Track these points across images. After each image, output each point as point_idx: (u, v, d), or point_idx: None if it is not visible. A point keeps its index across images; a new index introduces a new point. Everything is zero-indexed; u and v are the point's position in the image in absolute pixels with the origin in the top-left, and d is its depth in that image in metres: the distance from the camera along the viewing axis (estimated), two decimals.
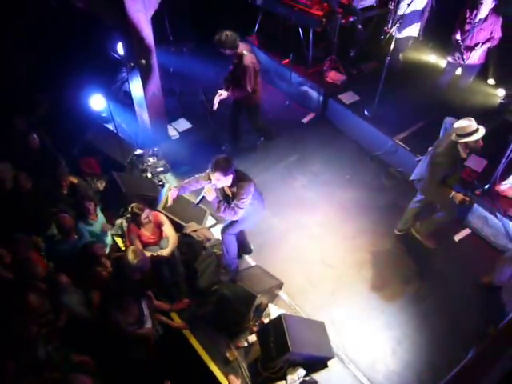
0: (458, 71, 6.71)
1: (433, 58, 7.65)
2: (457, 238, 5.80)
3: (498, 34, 5.98)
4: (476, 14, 5.87)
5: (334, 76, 7.43)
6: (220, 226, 5.03)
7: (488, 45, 6.06)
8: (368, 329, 4.90)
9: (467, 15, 6.00)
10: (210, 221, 5.78)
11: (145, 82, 5.91)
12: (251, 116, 6.38)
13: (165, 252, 4.91)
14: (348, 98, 7.16)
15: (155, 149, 6.58)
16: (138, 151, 6.54)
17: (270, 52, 7.96)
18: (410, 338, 4.83)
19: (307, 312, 4.98)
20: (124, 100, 7.26)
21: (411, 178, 5.29)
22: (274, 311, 4.88)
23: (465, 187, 5.41)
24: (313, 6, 7.04)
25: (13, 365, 3.25)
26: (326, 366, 4.54)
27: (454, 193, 4.75)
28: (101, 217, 5.25)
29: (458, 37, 6.16)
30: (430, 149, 5.00)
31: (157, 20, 5.86)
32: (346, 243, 5.68)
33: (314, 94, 7.41)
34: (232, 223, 4.70)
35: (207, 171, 4.34)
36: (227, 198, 4.37)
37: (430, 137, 6.08)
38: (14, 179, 4.81)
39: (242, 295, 4.65)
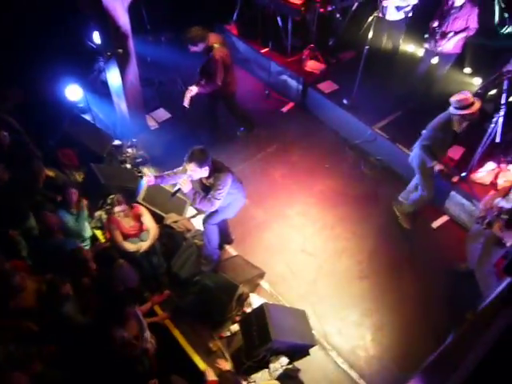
0: (435, 60, 6.76)
1: (411, 47, 7.70)
2: (435, 225, 5.90)
3: (473, 24, 6.01)
4: (453, 2, 5.91)
5: (312, 65, 7.42)
6: (201, 217, 5.02)
7: (463, 34, 6.08)
8: (348, 316, 4.97)
9: (448, 2, 6.04)
10: (190, 211, 5.76)
11: (122, 71, 5.83)
12: (228, 107, 6.37)
13: (144, 245, 4.89)
14: (327, 87, 7.16)
15: (134, 139, 6.51)
16: (117, 142, 6.45)
17: (249, 41, 7.92)
18: (389, 324, 4.91)
19: (289, 301, 5.02)
20: (101, 90, 7.13)
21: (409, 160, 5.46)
22: (255, 301, 4.90)
23: (442, 176, 5.48)
24: None
25: None
26: (308, 353, 4.57)
27: (435, 162, 4.98)
28: (85, 212, 5.17)
29: (436, 24, 6.19)
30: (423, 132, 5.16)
31: (134, 9, 5.78)
32: (326, 232, 5.72)
33: (293, 83, 7.40)
34: (213, 213, 4.68)
35: (184, 164, 4.34)
36: (207, 189, 4.36)
37: (407, 125, 6.18)
38: None
39: (223, 285, 4.67)
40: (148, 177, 4.49)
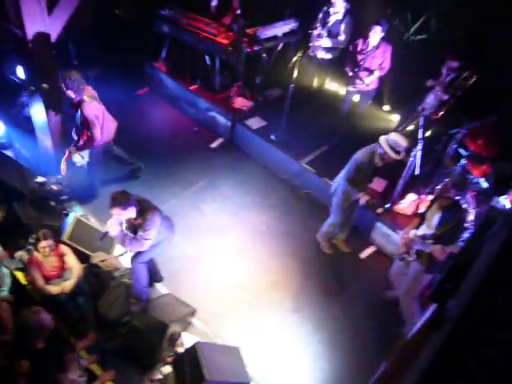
0: (356, 98, 7.12)
1: (334, 86, 8.08)
2: (363, 255, 6.07)
3: (386, 63, 6.44)
4: (368, 43, 6.30)
5: (241, 102, 7.56)
6: (130, 255, 4.85)
7: (379, 73, 6.51)
8: (284, 350, 4.92)
9: (360, 45, 6.41)
10: (118, 249, 5.55)
11: (47, 107, 5.63)
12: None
13: (68, 285, 4.63)
14: (255, 123, 7.31)
15: (59, 176, 6.24)
16: (41, 179, 6.14)
17: (177, 78, 7.96)
18: (325, 356, 4.91)
19: (222, 338, 4.91)
20: (25, 125, 6.85)
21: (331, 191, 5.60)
22: (188, 340, 4.76)
23: (368, 207, 5.70)
24: (219, 35, 7.16)
25: None
26: None
27: (361, 193, 5.18)
28: None
29: (348, 68, 6.56)
30: None
31: (60, 44, 5.66)
32: (258, 266, 5.71)
33: (221, 119, 7.48)
34: (141, 251, 4.56)
35: None
36: (136, 229, 4.27)
37: (333, 159, 6.40)
38: None
39: (153, 325, 4.50)
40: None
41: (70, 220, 5.29)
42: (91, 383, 4.21)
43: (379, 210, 5.90)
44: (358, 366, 4.78)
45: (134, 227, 4.30)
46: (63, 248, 4.85)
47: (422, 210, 5.98)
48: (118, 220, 4.14)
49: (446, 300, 2.40)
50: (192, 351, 4.22)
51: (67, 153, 5.56)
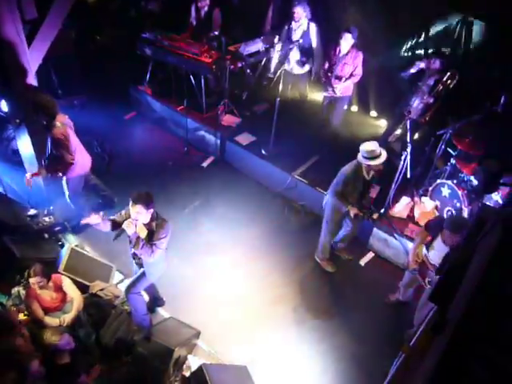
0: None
1: (317, 95, 8.14)
2: (362, 262, 6.07)
3: (358, 70, 6.46)
4: (339, 50, 6.36)
5: (228, 119, 7.60)
6: (127, 282, 4.83)
7: (351, 80, 6.53)
8: (291, 364, 4.89)
9: (332, 51, 6.47)
10: (116, 277, 5.52)
11: (34, 138, 5.63)
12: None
13: (68, 317, 4.59)
14: (244, 139, 7.33)
15: (51, 207, 6.22)
16: (32, 211, 6.13)
17: (164, 100, 7.99)
18: (332, 367, 4.88)
19: (228, 358, 4.87)
20: (13, 158, 6.84)
21: (323, 205, 5.58)
22: (194, 362, 4.71)
23: (363, 213, 5.70)
24: (201, 54, 7.21)
25: None
26: None
27: (350, 206, 5.10)
28: None
29: (323, 74, 6.63)
30: None
31: (43, 74, 5.68)
32: (258, 282, 5.69)
33: (211, 138, 7.51)
34: (136, 280, 4.56)
35: (123, 211, 4.32)
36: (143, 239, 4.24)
37: (325, 169, 6.43)
38: None
39: (158, 351, 4.46)
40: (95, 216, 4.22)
41: (65, 251, 5.26)
42: None
43: (375, 216, 5.91)
44: (367, 374, 4.76)
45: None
46: (62, 278, 4.82)
47: (416, 212, 6.03)
48: (135, 220, 4.08)
49: (446, 302, 2.41)
50: (199, 374, 4.17)
51: (36, 171, 5.45)
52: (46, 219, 6.06)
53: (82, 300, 4.83)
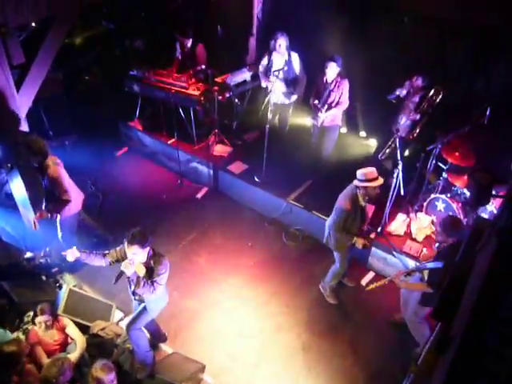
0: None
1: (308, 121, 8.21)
2: (363, 282, 6.03)
3: (343, 98, 6.46)
4: (326, 79, 6.40)
5: (220, 149, 7.65)
6: (128, 320, 4.77)
7: (337, 108, 6.52)
8: None
9: (320, 80, 6.51)
10: (117, 315, 5.45)
11: (26, 181, 5.64)
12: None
13: (72, 357, 4.49)
14: (237, 167, 7.36)
15: (47, 249, 6.18)
16: (29, 254, 6.09)
17: (154, 134, 8.05)
18: None
19: None
20: (6, 202, 6.83)
21: (324, 241, 5.49)
22: None
23: (369, 241, 5.68)
24: (189, 87, 7.32)
25: None
26: None
27: (355, 238, 5.03)
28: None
29: (313, 100, 6.64)
30: None
31: (34, 116, 5.72)
32: (260, 310, 5.64)
33: (203, 169, 7.54)
34: (137, 316, 4.52)
35: (116, 249, 4.31)
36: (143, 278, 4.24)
37: (319, 192, 6.44)
38: None
39: None
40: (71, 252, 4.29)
41: (64, 292, 5.21)
42: None
43: (372, 235, 5.91)
44: None
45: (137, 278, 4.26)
46: (64, 321, 4.77)
47: (413, 228, 6.03)
48: (132, 261, 4.10)
49: (449, 317, 2.39)
50: None
51: (38, 214, 5.44)
52: (43, 261, 6.03)
53: (85, 341, 4.75)
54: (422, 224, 6.01)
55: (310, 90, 6.82)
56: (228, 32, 8.84)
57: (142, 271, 4.16)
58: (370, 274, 6.13)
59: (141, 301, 4.50)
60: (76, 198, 5.60)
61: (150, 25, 8.99)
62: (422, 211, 6.13)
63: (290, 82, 7.01)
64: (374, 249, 6.01)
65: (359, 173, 4.89)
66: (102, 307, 5.35)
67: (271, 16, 8.40)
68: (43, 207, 5.54)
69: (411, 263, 5.64)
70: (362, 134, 8.09)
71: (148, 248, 4.15)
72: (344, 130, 8.13)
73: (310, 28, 7.59)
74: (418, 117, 6.24)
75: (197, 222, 6.91)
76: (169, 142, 7.85)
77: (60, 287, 5.65)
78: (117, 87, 8.04)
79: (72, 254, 4.30)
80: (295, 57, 6.88)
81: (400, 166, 5.49)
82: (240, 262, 6.27)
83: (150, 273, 4.22)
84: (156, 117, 8.07)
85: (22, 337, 4.87)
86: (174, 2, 8.98)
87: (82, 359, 4.61)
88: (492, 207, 5.41)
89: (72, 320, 4.93)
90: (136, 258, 4.11)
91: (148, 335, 4.92)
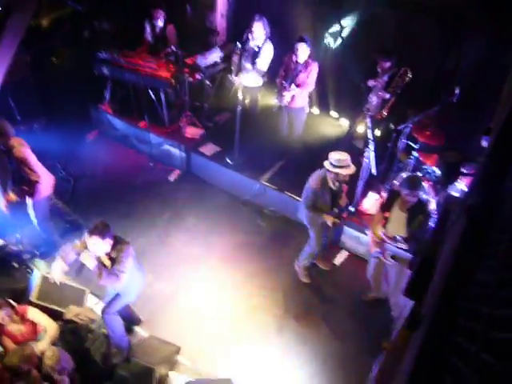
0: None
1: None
2: (337, 261, 6.12)
3: (310, 79, 6.40)
4: (296, 60, 6.33)
5: (191, 131, 7.57)
6: (102, 305, 4.74)
7: (301, 89, 6.45)
8: (276, 372, 4.88)
9: (288, 60, 6.44)
10: (90, 300, 5.40)
11: None
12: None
13: (39, 346, 4.39)
14: (209, 149, 7.31)
15: (18, 235, 6.06)
16: (0, 241, 5.97)
17: (125, 117, 7.91)
18: (319, 371, 4.89)
19: (211, 371, 4.82)
20: None
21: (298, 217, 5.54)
22: (177, 379, 4.66)
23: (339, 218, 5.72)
24: (159, 69, 7.17)
25: None
26: None
27: (325, 215, 5.08)
28: None
29: (279, 80, 6.60)
30: None
31: (1, 100, 5.54)
32: (235, 292, 5.67)
33: (175, 151, 7.47)
34: (111, 302, 4.49)
35: (82, 239, 4.23)
36: (105, 267, 4.20)
37: (291, 172, 6.46)
38: None
39: (139, 371, 4.40)
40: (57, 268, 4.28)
41: (36, 278, 5.13)
42: None
43: (344, 215, 5.97)
44: (353, 373, 4.78)
45: (104, 267, 4.21)
46: (28, 309, 4.64)
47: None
48: (93, 252, 4.06)
49: (421, 295, 2.44)
50: None
51: (6, 196, 5.35)
52: (14, 247, 5.92)
53: (56, 327, 4.69)
54: None
55: (277, 70, 6.74)
56: (198, 12, 8.67)
57: (90, 262, 4.09)
58: (344, 254, 6.22)
59: None
60: (46, 180, 5.49)
61: (118, 5, 8.74)
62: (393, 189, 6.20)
63: (254, 68, 6.93)
64: (346, 228, 6.09)
65: (332, 157, 4.89)
66: (76, 293, 5.28)
67: None
68: (11, 191, 5.41)
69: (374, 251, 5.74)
70: (334, 114, 8.11)
71: (108, 239, 4.09)
72: (316, 110, 8.14)
73: (278, 8, 7.52)
74: (387, 96, 6.28)
75: (170, 205, 6.86)
76: (140, 125, 7.73)
77: (31, 274, 5.56)
78: (86, 70, 7.84)
79: (60, 272, 4.31)
80: (268, 47, 6.74)
81: (372, 146, 5.53)
82: (214, 243, 6.27)
83: (113, 262, 4.19)
84: (127, 99, 7.91)
85: None
86: None
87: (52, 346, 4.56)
88: (462, 185, 5.52)
89: (45, 307, 4.87)
90: (97, 248, 4.07)
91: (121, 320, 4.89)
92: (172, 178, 7.45)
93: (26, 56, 7.49)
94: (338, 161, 4.84)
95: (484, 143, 5.35)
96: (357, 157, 6.02)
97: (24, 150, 5.18)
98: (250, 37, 6.70)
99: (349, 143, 6.85)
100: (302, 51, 6.20)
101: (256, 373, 4.86)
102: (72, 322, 4.97)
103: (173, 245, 6.26)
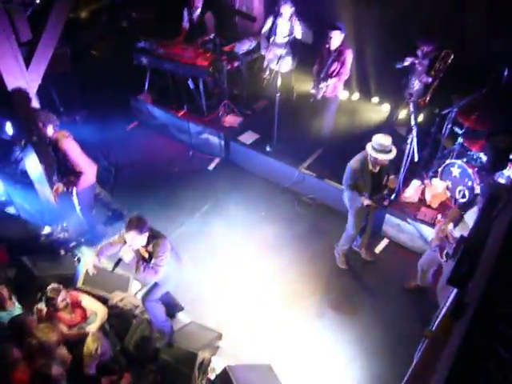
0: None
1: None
2: (377, 249, 6.03)
3: (344, 69, 6.25)
4: (329, 47, 6.18)
5: (230, 119, 7.59)
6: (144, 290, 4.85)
7: (336, 79, 6.32)
8: (315, 358, 4.88)
9: (323, 50, 6.30)
10: (134, 287, 5.53)
11: (41, 157, 5.67)
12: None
13: (93, 327, 4.59)
14: (248, 137, 7.32)
15: (64, 224, 6.26)
16: (47, 230, 6.18)
17: (164, 107, 8.00)
18: (357, 357, 4.87)
19: (252, 357, 4.85)
20: (22, 180, 6.89)
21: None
22: (218, 365, 4.72)
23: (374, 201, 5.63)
24: (197, 58, 7.20)
25: None
26: None
27: (363, 197, 5.03)
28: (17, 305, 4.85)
29: (316, 69, 6.49)
30: None
31: (44, 93, 5.70)
32: (275, 279, 5.68)
33: (214, 140, 7.51)
34: (151, 289, 4.58)
35: (120, 233, 4.30)
36: (144, 260, 4.27)
37: (331, 160, 6.39)
38: None
39: (182, 356, 4.47)
40: (90, 260, 4.44)
41: (82, 266, 5.29)
42: None
43: (386, 202, 5.86)
44: (393, 360, 4.73)
45: (143, 259, 4.30)
46: (79, 295, 4.83)
47: (427, 195, 5.97)
48: (130, 246, 4.13)
49: (465, 283, 2.38)
50: (223, 376, 4.16)
51: (55, 187, 5.54)
52: (61, 235, 6.12)
53: (106, 311, 4.85)
54: (437, 190, 5.94)
55: (314, 58, 6.64)
56: None
57: (128, 257, 4.15)
58: (384, 242, 6.12)
59: None
60: (90, 170, 5.63)
61: None
62: (436, 177, 6.04)
63: (291, 49, 6.89)
64: (387, 216, 5.98)
65: (375, 140, 4.81)
66: (120, 279, 5.42)
67: None
68: (58, 181, 5.59)
69: (426, 230, 5.61)
70: (375, 99, 7.95)
71: (146, 233, 4.13)
72: (356, 95, 8.00)
73: None
74: (430, 80, 6.10)
75: (210, 193, 6.92)
76: (179, 114, 7.81)
77: (78, 261, 5.74)
78: (125, 60, 7.97)
79: (92, 265, 4.49)
80: (297, 25, 6.70)
81: (414, 132, 5.39)
82: (254, 231, 6.29)
83: (150, 256, 4.24)
84: (165, 89, 8.01)
85: (45, 309, 4.96)
86: None
87: (103, 329, 4.71)
88: (509, 172, 5.29)
89: (91, 292, 5.02)
90: (135, 242, 4.12)
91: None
92: (211, 166, 7.51)
93: (66, 49, 7.67)
94: (380, 145, 4.77)
95: None
96: (399, 143, 5.91)
97: (68, 142, 5.33)
98: (279, 20, 6.73)
99: (390, 129, 6.70)
100: (335, 38, 6.07)
101: (296, 359, 4.87)
102: (116, 307, 5.10)
103: (212, 233, 6.32)
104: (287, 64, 7.02)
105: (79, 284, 5.10)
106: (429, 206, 5.90)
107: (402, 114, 6.74)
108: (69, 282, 5.13)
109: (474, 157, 5.76)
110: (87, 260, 4.52)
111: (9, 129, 6.47)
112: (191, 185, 7.07)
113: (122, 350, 4.81)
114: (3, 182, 5.57)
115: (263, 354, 4.89)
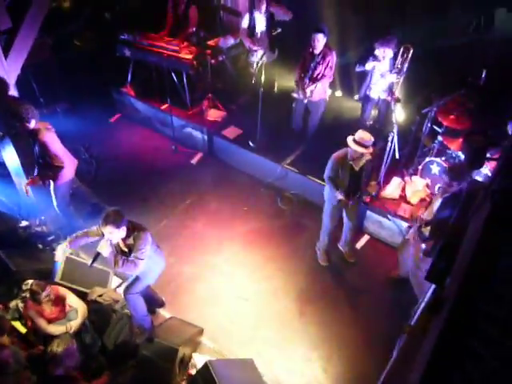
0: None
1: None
2: (358, 245, 6.10)
3: (328, 71, 6.29)
4: (313, 51, 6.17)
5: (214, 114, 7.57)
6: (124, 286, 4.83)
7: (321, 83, 6.36)
8: (296, 353, 4.93)
9: (309, 52, 6.27)
10: (114, 281, 5.51)
11: (19, 150, 5.59)
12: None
13: (74, 324, 4.57)
14: (231, 132, 7.31)
15: (42, 217, 6.18)
16: (24, 223, 6.09)
17: (147, 100, 7.95)
18: (336, 353, 4.93)
19: (233, 352, 4.89)
20: None
21: None
22: (199, 360, 4.73)
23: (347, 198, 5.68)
24: (181, 51, 7.17)
25: None
26: None
27: (337, 192, 5.10)
28: None
29: (298, 73, 6.48)
30: None
31: (24, 84, 5.61)
32: (257, 274, 5.71)
33: (197, 134, 7.49)
34: (133, 282, 4.56)
35: (97, 226, 4.22)
36: (124, 253, 4.24)
37: (313, 156, 6.42)
38: None
39: (162, 351, 4.45)
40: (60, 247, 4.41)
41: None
42: None
43: (367, 199, 5.93)
44: (372, 357, 4.80)
45: (122, 252, 4.27)
46: (61, 290, 4.79)
47: (408, 192, 6.05)
48: (109, 240, 4.08)
49: (443, 279, 2.43)
50: (205, 371, 4.14)
51: (29, 180, 5.41)
52: (38, 229, 6.03)
53: (86, 307, 4.82)
54: (417, 187, 6.02)
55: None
56: None
57: (106, 251, 4.10)
58: (365, 238, 6.19)
59: None
60: (69, 164, 5.53)
61: None
62: (416, 174, 6.13)
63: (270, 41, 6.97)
64: (368, 212, 6.05)
65: (357, 133, 4.90)
66: (99, 274, 5.39)
67: None
68: (35, 174, 5.50)
69: (406, 226, 5.70)
70: (357, 97, 7.99)
71: (123, 227, 4.07)
72: (339, 93, 8.05)
73: None
74: (394, 77, 6.12)
75: (192, 188, 6.91)
76: (162, 108, 7.76)
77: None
78: (108, 52, 7.88)
79: (62, 254, 4.48)
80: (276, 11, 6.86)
81: (395, 130, 5.46)
82: (236, 226, 6.31)
83: (130, 249, 4.21)
84: (148, 82, 7.95)
85: (21, 305, 4.91)
86: None
87: (84, 325, 4.69)
88: (486, 170, 5.42)
89: (69, 287, 4.97)
90: (113, 237, 4.07)
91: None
92: (194, 160, 7.49)
93: (47, 39, 7.55)
94: (360, 138, 4.85)
95: (510, 128, 5.25)
96: (379, 141, 5.99)
97: (48, 135, 5.21)
98: (256, 14, 6.84)
99: (372, 127, 6.76)
100: (319, 41, 6.07)
101: (276, 354, 4.91)
102: (96, 303, 5.07)
103: (194, 227, 6.32)
104: (269, 56, 7.02)
105: (57, 279, 5.03)
106: (408, 203, 5.99)
107: (375, 112, 6.82)
108: (47, 276, 5.06)
109: (453, 155, 5.85)
110: (58, 248, 4.42)
111: None
112: (173, 179, 7.05)
113: (101, 345, 4.78)
114: None
115: (244, 349, 4.91)
